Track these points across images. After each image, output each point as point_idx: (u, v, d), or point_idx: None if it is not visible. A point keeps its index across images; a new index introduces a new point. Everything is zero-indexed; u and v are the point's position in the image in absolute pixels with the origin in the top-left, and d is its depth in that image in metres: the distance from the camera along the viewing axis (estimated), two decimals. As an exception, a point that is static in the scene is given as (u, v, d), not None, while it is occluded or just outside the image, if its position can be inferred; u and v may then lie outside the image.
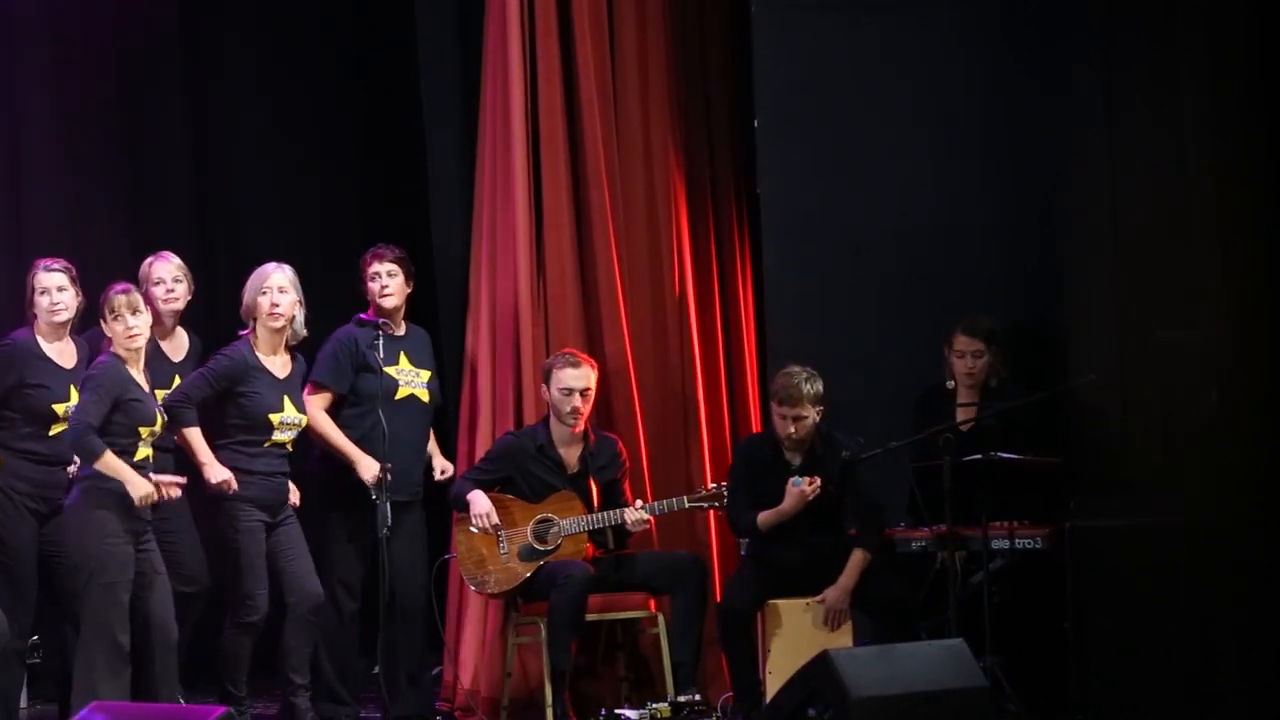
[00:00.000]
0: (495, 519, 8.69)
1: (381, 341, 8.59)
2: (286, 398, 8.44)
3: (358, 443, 8.62)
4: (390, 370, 8.67)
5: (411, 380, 8.79)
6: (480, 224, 9.40)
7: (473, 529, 8.74)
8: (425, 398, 8.84)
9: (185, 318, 8.70)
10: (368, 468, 8.49)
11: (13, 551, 8.19)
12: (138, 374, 8.01)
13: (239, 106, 10.38)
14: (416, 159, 9.75)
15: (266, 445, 8.40)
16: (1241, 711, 7.88)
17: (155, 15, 10.14)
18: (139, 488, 7.85)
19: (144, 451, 7.98)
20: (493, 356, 9.32)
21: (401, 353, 8.79)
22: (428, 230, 9.64)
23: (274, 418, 8.39)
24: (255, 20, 10.39)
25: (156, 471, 8.06)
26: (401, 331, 8.83)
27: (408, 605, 8.76)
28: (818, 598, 8.50)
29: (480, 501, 8.72)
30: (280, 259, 8.58)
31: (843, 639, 8.41)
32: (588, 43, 9.33)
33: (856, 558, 8.50)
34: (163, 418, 8.05)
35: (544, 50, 9.31)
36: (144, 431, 7.95)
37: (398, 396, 8.70)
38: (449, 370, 9.33)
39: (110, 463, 7.84)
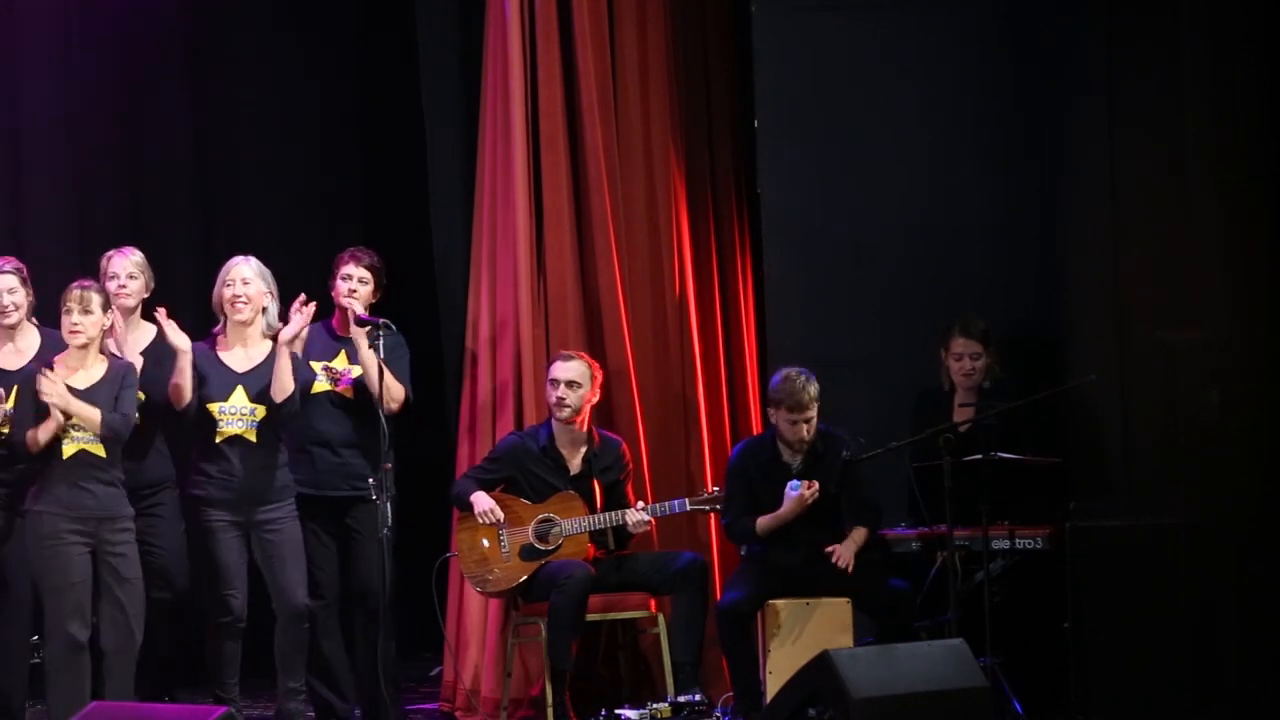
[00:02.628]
0: (499, 513, 8.70)
1: (383, 340, 8.55)
2: (241, 388, 8.31)
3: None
4: (315, 365, 8.60)
5: (340, 377, 8.72)
6: (480, 225, 9.40)
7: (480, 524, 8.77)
8: (349, 394, 8.68)
9: (145, 311, 8.59)
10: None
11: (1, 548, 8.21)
12: (81, 372, 7.98)
13: (240, 107, 10.37)
14: (417, 160, 9.75)
15: (220, 442, 8.32)
16: (1241, 712, 7.89)
17: (158, 14, 10.13)
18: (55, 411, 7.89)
19: (71, 447, 7.95)
20: (493, 357, 9.32)
21: (344, 351, 8.72)
22: (428, 230, 9.64)
23: (213, 407, 8.30)
24: (257, 21, 10.38)
25: (147, 471, 8.25)
26: (352, 333, 8.73)
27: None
28: (829, 548, 8.50)
29: (482, 500, 8.73)
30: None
31: (843, 639, 8.41)
32: (588, 44, 9.33)
33: (859, 530, 8.55)
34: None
35: (544, 51, 9.31)
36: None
37: (314, 391, 8.59)
38: (449, 370, 9.32)
39: (40, 436, 7.89)
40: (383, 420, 8.42)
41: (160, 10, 10.15)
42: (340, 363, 8.67)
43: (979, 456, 8.20)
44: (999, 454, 8.22)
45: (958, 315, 8.68)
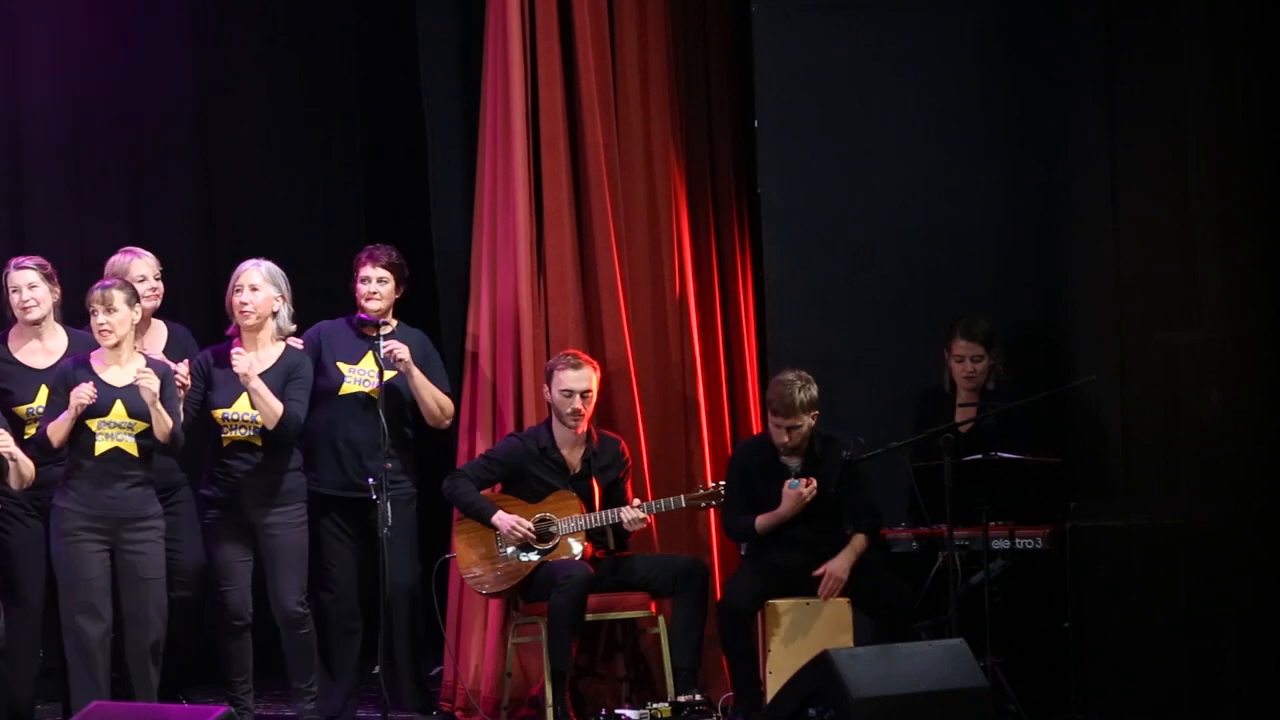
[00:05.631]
0: (526, 524, 8.67)
1: (380, 341, 8.55)
2: (245, 394, 8.32)
3: (310, 444, 8.60)
4: (343, 366, 8.63)
5: (364, 379, 8.67)
6: (480, 224, 9.40)
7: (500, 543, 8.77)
8: (374, 395, 8.63)
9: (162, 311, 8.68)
10: None
11: (11, 552, 8.19)
12: (115, 368, 7.96)
13: (242, 107, 10.38)
14: (417, 159, 9.75)
15: (227, 444, 8.36)
16: (1241, 712, 7.89)
17: (158, 17, 10.13)
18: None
19: (105, 444, 7.94)
20: (493, 357, 9.32)
21: (370, 353, 8.72)
22: (428, 230, 9.64)
23: (217, 414, 8.35)
24: (258, 22, 10.39)
25: (163, 474, 8.20)
26: (385, 333, 8.71)
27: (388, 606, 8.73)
28: (818, 570, 8.48)
29: (504, 520, 8.69)
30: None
31: (843, 639, 8.41)
32: (588, 43, 9.33)
33: (858, 539, 8.52)
34: (126, 408, 7.96)
35: (544, 51, 9.31)
36: (92, 424, 7.91)
37: (341, 392, 8.63)
38: (449, 370, 9.32)
39: (57, 434, 7.90)
40: (382, 420, 8.43)
41: (160, 12, 10.15)
42: (367, 364, 8.66)
43: (979, 456, 8.21)
44: (999, 454, 8.22)
45: (961, 316, 8.68)
